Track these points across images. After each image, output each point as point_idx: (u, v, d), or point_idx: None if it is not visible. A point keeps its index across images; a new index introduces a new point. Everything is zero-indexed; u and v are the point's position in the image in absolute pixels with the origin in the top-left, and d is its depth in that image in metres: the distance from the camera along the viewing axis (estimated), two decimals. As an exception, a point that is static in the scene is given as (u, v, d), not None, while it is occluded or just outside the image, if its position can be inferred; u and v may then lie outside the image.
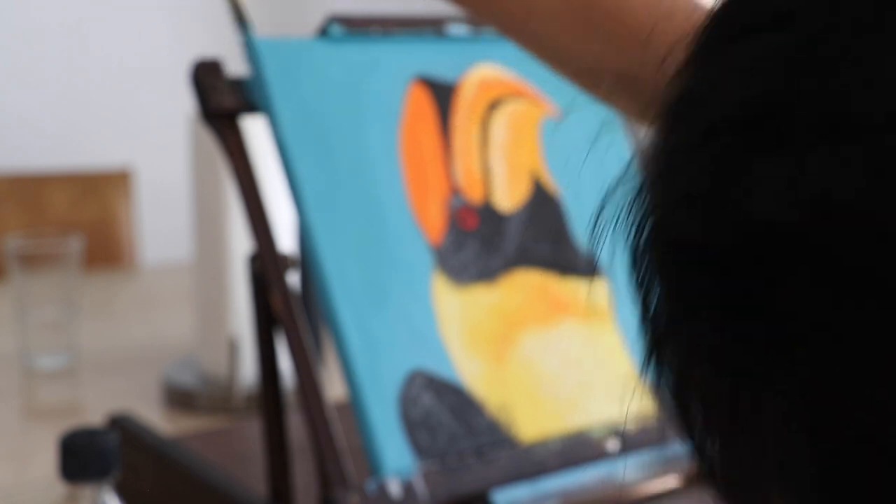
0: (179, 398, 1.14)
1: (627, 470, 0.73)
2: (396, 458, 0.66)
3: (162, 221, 2.54)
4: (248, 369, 1.11)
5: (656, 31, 0.48)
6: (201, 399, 1.12)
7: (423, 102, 0.77)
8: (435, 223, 0.74)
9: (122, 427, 0.88)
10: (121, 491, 0.62)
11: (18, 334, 1.29)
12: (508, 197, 0.78)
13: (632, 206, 0.32)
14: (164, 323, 1.50)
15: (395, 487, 0.65)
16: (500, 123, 0.80)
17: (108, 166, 2.17)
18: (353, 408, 0.67)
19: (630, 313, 0.78)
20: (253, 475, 0.82)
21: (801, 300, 0.26)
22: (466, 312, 0.72)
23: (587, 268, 0.79)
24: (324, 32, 0.76)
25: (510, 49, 0.83)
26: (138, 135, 2.72)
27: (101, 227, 2.04)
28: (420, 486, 0.66)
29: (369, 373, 0.68)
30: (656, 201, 0.30)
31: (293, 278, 0.71)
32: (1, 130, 2.56)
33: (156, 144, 2.69)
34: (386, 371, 0.68)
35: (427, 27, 0.79)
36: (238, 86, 0.73)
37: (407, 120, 0.76)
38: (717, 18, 0.30)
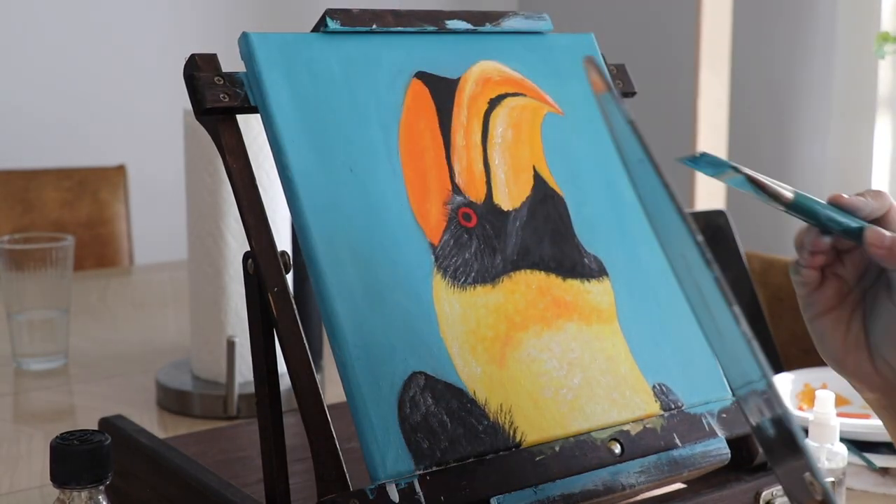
0: (174, 401, 1.12)
1: (630, 474, 0.71)
2: (395, 461, 0.65)
3: (156, 220, 2.53)
4: (244, 371, 1.10)
5: None
6: (196, 402, 1.11)
7: (422, 98, 0.76)
8: (435, 222, 0.73)
9: (115, 430, 0.87)
10: (113, 495, 0.61)
11: (9, 335, 1.28)
12: (510, 195, 0.76)
13: None
14: (157, 324, 1.49)
15: (393, 492, 0.64)
16: (502, 120, 0.78)
17: (102, 164, 2.15)
18: (352, 410, 0.66)
19: (632, 314, 0.78)
20: (249, 478, 0.81)
21: None
22: (467, 313, 0.71)
23: (590, 268, 0.77)
24: (320, 27, 0.75)
25: (510, 45, 0.82)
26: (132, 132, 2.71)
27: (94, 226, 2.02)
28: (419, 491, 0.64)
29: (367, 374, 0.67)
30: None
31: (290, 278, 0.70)
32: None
33: (150, 142, 2.68)
34: (384, 373, 0.67)
35: (427, 22, 0.78)
36: (233, 82, 0.71)
37: (407, 116, 0.75)
38: None
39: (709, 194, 2.02)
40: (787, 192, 0.62)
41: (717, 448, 0.75)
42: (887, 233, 0.61)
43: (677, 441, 0.74)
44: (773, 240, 2.34)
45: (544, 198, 0.78)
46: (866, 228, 0.62)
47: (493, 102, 0.79)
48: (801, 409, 1.06)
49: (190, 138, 1.11)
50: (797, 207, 0.62)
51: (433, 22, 0.79)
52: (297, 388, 0.66)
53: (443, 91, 0.77)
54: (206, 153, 1.09)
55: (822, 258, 0.64)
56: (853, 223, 0.63)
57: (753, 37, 2.48)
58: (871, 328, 0.64)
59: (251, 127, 1.04)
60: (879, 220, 0.63)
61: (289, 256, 0.69)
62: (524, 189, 0.77)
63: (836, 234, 0.63)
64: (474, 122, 0.77)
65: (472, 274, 0.73)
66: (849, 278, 0.65)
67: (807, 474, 0.47)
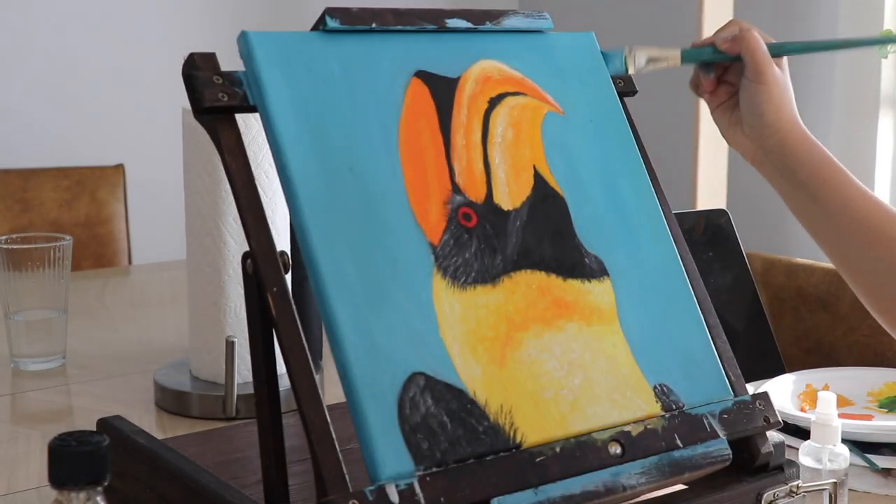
0: (172, 402, 1.12)
1: (631, 475, 0.71)
2: (395, 462, 0.65)
3: (154, 220, 2.53)
4: (243, 371, 1.10)
5: None
6: (195, 402, 1.10)
7: (422, 98, 0.75)
8: (435, 222, 0.72)
9: (113, 431, 0.86)
10: (111, 497, 0.61)
11: (6, 336, 1.28)
12: (510, 194, 0.76)
13: None
14: (156, 324, 1.48)
15: (393, 493, 0.63)
16: (502, 119, 0.78)
17: (100, 163, 2.15)
18: (351, 411, 0.66)
19: (633, 314, 0.77)
20: (248, 479, 0.81)
21: None
22: (467, 313, 0.71)
23: (590, 268, 0.77)
24: (320, 25, 0.75)
25: (511, 44, 0.82)
26: (130, 131, 2.70)
27: (93, 226, 2.02)
28: (419, 492, 0.64)
29: (367, 375, 0.66)
30: None
31: (289, 278, 0.69)
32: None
33: (148, 141, 2.68)
34: (384, 373, 0.67)
35: (427, 20, 0.78)
36: (232, 81, 0.71)
37: (406, 116, 0.74)
38: None
39: (710, 194, 2.01)
40: (677, 54, 0.94)
41: (719, 449, 0.75)
42: (729, 35, 0.93)
43: (678, 442, 0.73)
44: (774, 239, 2.33)
45: (545, 197, 0.78)
46: (717, 43, 0.94)
47: (494, 101, 0.78)
48: (803, 409, 1.06)
49: (188, 138, 1.11)
50: (687, 60, 0.95)
51: (433, 20, 0.78)
52: (296, 389, 0.65)
53: (443, 90, 0.76)
54: (205, 152, 1.09)
55: (711, 82, 0.96)
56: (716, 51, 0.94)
57: (754, 36, 2.48)
58: (740, 106, 0.94)
59: (250, 126, 1.04)
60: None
61: (288, 256, 0.69)
62: (524, 189, 0.77)
63: (715, 62, 0.95)
64: (474, 122, 0.77)
65: (473, 274, 0.72)
66: (733, 81, 0.96)
67: None
